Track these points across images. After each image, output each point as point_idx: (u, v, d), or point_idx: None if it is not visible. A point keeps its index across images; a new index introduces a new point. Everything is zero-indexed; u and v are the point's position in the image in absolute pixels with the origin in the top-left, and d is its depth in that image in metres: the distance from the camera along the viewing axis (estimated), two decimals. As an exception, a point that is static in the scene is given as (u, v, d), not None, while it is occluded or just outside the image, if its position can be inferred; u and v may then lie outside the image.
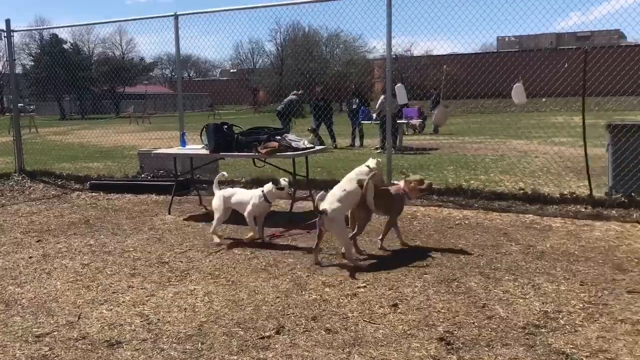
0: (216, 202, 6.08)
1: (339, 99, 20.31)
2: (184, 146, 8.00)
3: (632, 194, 6.66)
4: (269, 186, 5.82)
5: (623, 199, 6.68)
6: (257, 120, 22.67)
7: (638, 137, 6.57)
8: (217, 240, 6.00)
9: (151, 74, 67.72)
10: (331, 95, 17.80)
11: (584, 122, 7.22)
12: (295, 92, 16.70)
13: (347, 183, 5.23)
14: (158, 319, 4.01)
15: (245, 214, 5.90)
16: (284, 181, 5.83)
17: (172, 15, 9.51)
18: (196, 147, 7.78)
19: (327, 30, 44.13)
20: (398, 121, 15.44)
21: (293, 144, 6.80)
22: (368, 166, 5.46)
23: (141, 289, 4.67)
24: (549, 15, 8.08)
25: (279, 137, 6.84)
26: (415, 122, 18.25)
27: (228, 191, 6.16)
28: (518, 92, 7.18)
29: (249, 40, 62.97)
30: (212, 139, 6.96)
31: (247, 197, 5.93)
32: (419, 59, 29.77)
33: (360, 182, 5.15)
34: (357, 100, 17.27)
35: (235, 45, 64.27)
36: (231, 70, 69.63)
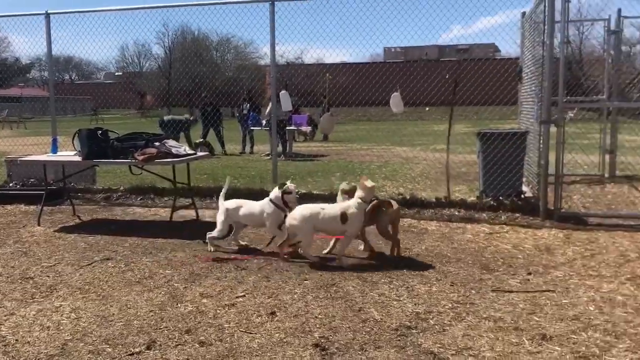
0: (219, 215, 5.70)
1: (230, 104, 20.07)
2: (55, 152, 7.48)
3: (500, 197, 7.11)
4: (275, 192, 5.53)
5: (492, 202, 7.11)
6: (144, 126, 21.87)
7: (505, 144, 7.04)
8: (211, 248, 5.69)
9: (28, 75, 63.26)
10: (220, 100, 17.53)
11: (449, 131, 7.63)
12: (187, 116, 16.32)
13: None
14: (16, 340, 3.69)
15: (268, 229, 5.61)
16: (290, 184, 5.55)
17: (42, 14, 8.91)
18: (69, 154, 7.31)
19: (218, 35, 43.62)
20: (287, 128, 15.51)
21: (173, 150, 6.58)
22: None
23: (0, 307, 4.28)
24: (432, 28, 8.49)
25: (158, 143, 6.58)
26: (305, 129, 18.43)
27: (233, 203, 5.70)
28: (395, 101, 7.44)
29: (134, 43, 60.64)
30: (85, 145, 6.57)
31: (258, 209, 5.58)
32: (310, 67, 30.17)
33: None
34: (248, 106, 17.15)
35: (120, 47, 61.68)
36: (116, 74, 66.66)
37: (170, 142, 6.80)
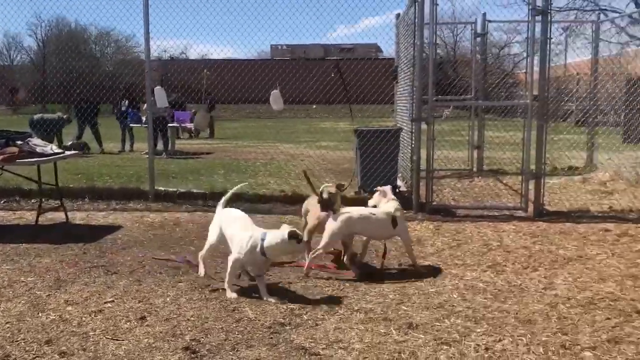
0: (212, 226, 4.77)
1: (109, 100, 19.11)
2: None
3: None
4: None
5: (369, 197, 7.32)
6: (14, 123, 20.21)
7: (380, 141, 7.29)
8: (201, 271, 4.73)
9: None
10: (98, 96, 16.64)
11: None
12: (60, 114, 15.26)
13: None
14: None
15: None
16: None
17: None
18: None
19: (97, 28, 41.41)
20: (169, 125, 15.05)
21: (38, 149, 6.14)
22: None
23: None
24: (317, 27, 8.59)
25: (21, 142, 6.11)
26: (189, 125, 17.98)
27: (232, 214, 4.66)
28: (275, 98, 7.46)
29: (4, 34, 55.89)
30: None
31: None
32: (194, 62, 29.52)
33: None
34: (127, 102, 16.42)
35: (-15, 39, 56.59)
36: (-18, 67, 61.02)
37: (35, 141, 6.34)
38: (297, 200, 7.63)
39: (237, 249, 4.26)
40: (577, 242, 5.86)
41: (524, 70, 15.60)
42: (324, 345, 3.47)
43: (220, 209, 4.76)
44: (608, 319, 3.89)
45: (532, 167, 6.99)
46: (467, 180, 9.85)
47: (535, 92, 6.92)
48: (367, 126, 7.83)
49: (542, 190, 7.02)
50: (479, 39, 10.04)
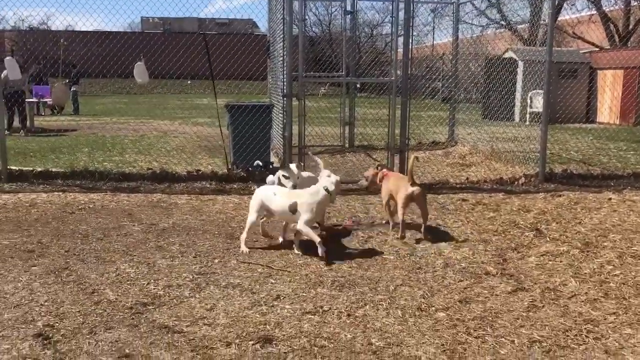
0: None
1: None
2: None
3: (250, 168, 7.32)
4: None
5: (242, 173, 7.28)
6: None
7: (252, 117, 7.23)
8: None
9: None
10: None
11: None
12: None
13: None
14: None
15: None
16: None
17: None
18: None
19: None
20: (28, 100, 13.90)
21: None
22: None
23: None
24: (194, 1, 8.28)
25: None
26: (49, 100, 16.70)
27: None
28: (139, 71, 7.12)
29: None
30: None
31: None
32: (58, 33, 27.41)
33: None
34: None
35: None
36: None
37: None
38: (165, 178, 7.42)
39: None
40: (436, 211, 6.23)
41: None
42: (188, 323, 3.40)
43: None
44: (461, 281, 4.19)
45: (397, 142, 7.30)
46: (339, 155, 10.10)
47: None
48: (239, 101, 7.72)
49: (406, 164, 7.36)
50: (349, 17, 10.22)
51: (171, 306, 3.65)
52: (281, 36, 7.52)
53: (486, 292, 4.00)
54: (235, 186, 7.18)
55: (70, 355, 3.00)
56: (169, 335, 3.24)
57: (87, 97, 23.60)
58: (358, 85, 23.45)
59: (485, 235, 5.37)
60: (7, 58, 7.22)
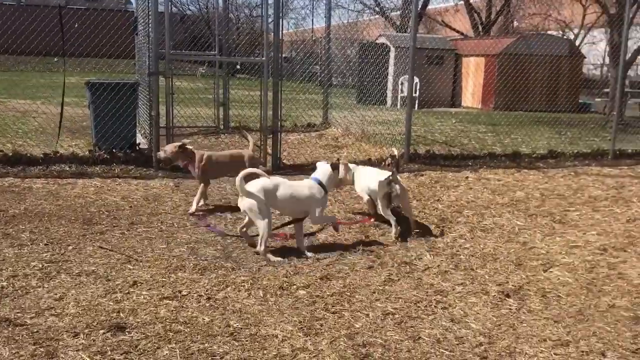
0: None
1: None
2: None
3: (114, 150, 6.95)
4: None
5: (106, 155, 6.91)
6: None
7: (115, 95, 6.85)
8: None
9: None
10: None
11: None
12: None
13: None
14: None
15: None
16: None
17: None
18: None
19: None
20: None
21: None
22: None
23: None
24: None
25: None
26: None
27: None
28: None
29: None
30: None
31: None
32: None
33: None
34: None
35: None
36: None
37: None
38: (19, 161, 6.85)
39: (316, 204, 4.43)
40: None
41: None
42: (33, 314, 3.18)
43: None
44: (325, 258, 4.28)
45: (270, 123, 7.29)
46: (213, 137, 9.91)
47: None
48: (100, 79, 7.28)
49: (279, 145, 7.38)
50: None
51: (14, 297, 3.38)
52: (147, 12, 7.19)
53: (347, 268, 4.12)
54: (97, 169, 6.79)
55: None
56: (10, 328, 3.01)
57: None
58: (238, 67, 23.14)
59: (351, 214, 5.53)
60: None
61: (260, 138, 7.50)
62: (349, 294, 3.68)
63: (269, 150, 7.42)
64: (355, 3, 23.89)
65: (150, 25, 6.86)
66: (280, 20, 7.02)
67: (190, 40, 16.59)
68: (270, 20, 7.43)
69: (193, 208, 5.33)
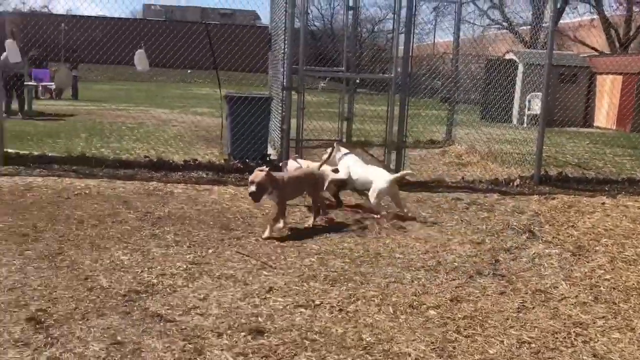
0: None
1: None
2: None
3: (247, 159, 7.33)
4: None
5: (239, 164, 7.29)
6: None
7: (250, 108, 7.23)
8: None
9: None
10: None
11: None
12: None
13: None
14: None
15: None
16: None
17: None
18: None
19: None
20: (27, 83, 13.85)
21: None
22: None
23: None
24: None
25: None
26: (49, 85, 16.64)
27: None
28: (140, 58, 7.13)
29: None
30: None
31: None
32: (57, 18, 27.28)
33: None
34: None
35: None
36: None
37: None
38: (162, 166, 7.41)
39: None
40: (431, 210, 6.25)
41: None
42: (181, 312, 3.42)
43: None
44: (453, 280, 4.22)
45: (395, 139, 7.31)
46: (336, 150, 10.09)
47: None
48: (238, 92, 7.71)
49: (403, 161, 7.39)
50: (351, 12, 10.19)
51: (164, 295, 3.66)
52: (283, 29, 7.51)
53: (477, 292, 4.03)
54: (232, 177, 7.19)
55: (62, 340, 3.02)
56: (161, 323, 3.26)
57: (86, 83, 23.50)
58: (358, 81, 23.43)
59: (478, 236, 5.39)
60: (8, 41, 7.20)
61: (384, 153, 7.55)
62: (480, 318, 3.60)
63: (392, 166, 7.43)
64: (482, 18, 23.36)
65: (285, 41, 7.16)
66: (412, 36, 7.04)
67: (316, 55, 17.10)
68: (400, 35, 7.46)
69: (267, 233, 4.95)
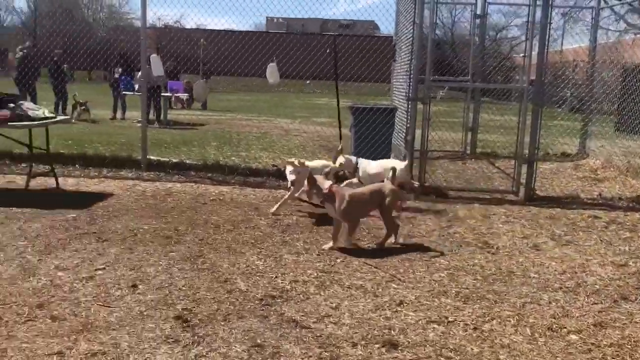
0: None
1: (103, 66, 18.91)
2: None
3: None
4: None
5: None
6: (5, 87, 19.89)
7: (375, 119, 7.27)
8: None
9: None
10: (66, 59, 16.36)
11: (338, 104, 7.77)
12: (22, 46, 14.67)
13: None
14: None
15: None
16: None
17: None
18: None
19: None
20: (163, 94, 14.92)
21: (30, 112, 6.07)
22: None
23: None
24: (317, 1, 8.49)
25: (13, 105, 6.03)
26: (182, 95, 17.81)
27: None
28: (271, 71, 7.41)
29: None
30: None
31: None
32: (190, 32, 29.19)
33: None
34: (120, 70, 16.20)
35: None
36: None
37: (27, 104, 6.26)
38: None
39: None
40: (566, 227, 5.91)
41: (522, 54, 15.52)
42: (315, 319, 3.50)
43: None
44: (595, 304, 3.95)
45: (526, 151, 7.01)
46: (459, 162, 9.87)
47: (533, 77, 6.91)
48: (363, 103, 7.79)
49: (534, 175, 7.05)
50: (478, 21, 9.96)
51: (298, 301, 3.77)
52: (409, 39, 7.49)
53: (624, 317, 3.74)
54: (355, 187, 7.24)
55: (207, 339, 3.19)
56: (297, 329, 3.35)
57: (214, 94, 24.86)
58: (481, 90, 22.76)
59: (620, 257, 5.01)
60: (153, 55, 7.80)
61: (514, 166, 7.26)
62: (629, 346, 3.33)
63: (522, 181, 7.12)
64: (618, 22, 21.81)
65: (412, 51, 7.12)
66: (547, 44, 6.72)
67: (437, 64, 16.82)
68: (533, 44, 7.15)
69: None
